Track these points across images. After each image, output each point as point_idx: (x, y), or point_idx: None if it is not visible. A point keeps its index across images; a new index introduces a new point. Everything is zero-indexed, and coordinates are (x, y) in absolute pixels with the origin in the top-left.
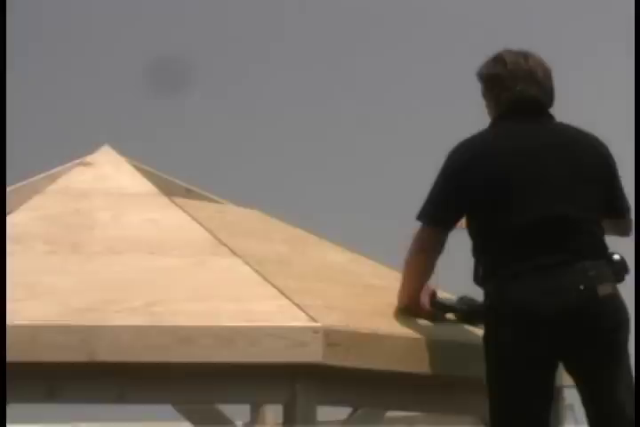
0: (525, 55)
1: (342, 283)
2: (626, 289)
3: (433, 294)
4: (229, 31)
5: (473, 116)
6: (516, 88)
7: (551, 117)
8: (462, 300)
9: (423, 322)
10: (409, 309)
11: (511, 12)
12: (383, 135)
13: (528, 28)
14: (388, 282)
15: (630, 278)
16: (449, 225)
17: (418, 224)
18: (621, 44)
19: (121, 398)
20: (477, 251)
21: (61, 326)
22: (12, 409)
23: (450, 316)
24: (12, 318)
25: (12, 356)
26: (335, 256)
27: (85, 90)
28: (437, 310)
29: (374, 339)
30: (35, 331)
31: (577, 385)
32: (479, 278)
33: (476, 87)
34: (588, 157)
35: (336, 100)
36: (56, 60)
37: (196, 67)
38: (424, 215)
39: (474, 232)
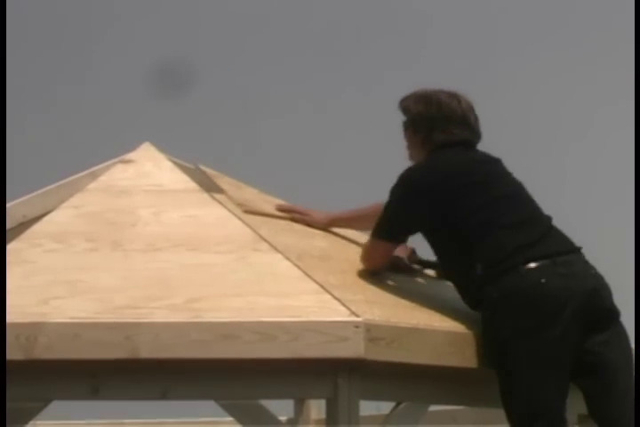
0: (458, 98)
1: (382, 277)
2: (626, 288)
3: (412, 251)
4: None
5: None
6: (452, 131)
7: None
8: None
9: (464, 315)
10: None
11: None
12: None
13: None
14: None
15: (630, 278)
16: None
17: None
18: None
19: (164, 395)
20: (467, 255)
21: (103, 323)
22: (55, 406)
23: (429, 272)
24: (54, 316)
25: (55, 353)
26: None
27: (125, 88)
28: (417, 265)
29: (415, 333)
30: (77, 328)
31: (580, 371)
32: (478, 277)
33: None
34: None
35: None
36: (96, 59)
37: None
38: (387, 232)
39: (456, 241)
